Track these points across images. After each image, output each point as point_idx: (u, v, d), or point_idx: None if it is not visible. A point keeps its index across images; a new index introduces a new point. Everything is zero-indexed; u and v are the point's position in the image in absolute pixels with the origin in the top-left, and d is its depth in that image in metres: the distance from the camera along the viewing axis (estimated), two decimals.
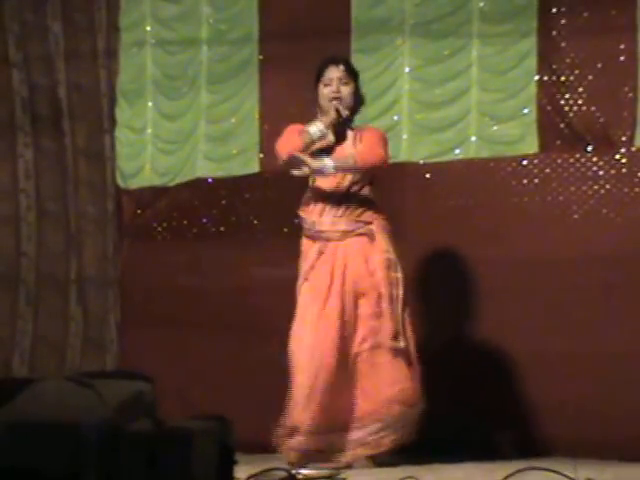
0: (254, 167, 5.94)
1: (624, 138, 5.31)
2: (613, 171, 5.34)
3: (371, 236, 4.76)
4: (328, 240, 4.78)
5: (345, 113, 4.79)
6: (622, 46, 5.35)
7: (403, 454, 4.72)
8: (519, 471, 3.97)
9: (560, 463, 4.38)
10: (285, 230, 5.75)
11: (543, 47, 5.45)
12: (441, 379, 5.37)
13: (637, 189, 5.30)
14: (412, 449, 4.75)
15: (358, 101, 4.88)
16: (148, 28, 6.18)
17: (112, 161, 6.24)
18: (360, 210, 4.79)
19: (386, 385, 4.67)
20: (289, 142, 4.74)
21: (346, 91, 4.81)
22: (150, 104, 6.19)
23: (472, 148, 5.55)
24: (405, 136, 5.64)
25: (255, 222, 5.94)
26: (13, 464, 2.85)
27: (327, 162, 4.69)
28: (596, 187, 5.36)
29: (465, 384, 5.35)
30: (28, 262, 6.15)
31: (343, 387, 4.67)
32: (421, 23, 5.65)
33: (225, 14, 6.04)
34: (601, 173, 5.35)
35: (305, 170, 4.67)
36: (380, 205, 4.84)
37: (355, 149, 4.79)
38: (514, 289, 5.38)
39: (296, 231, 5.74)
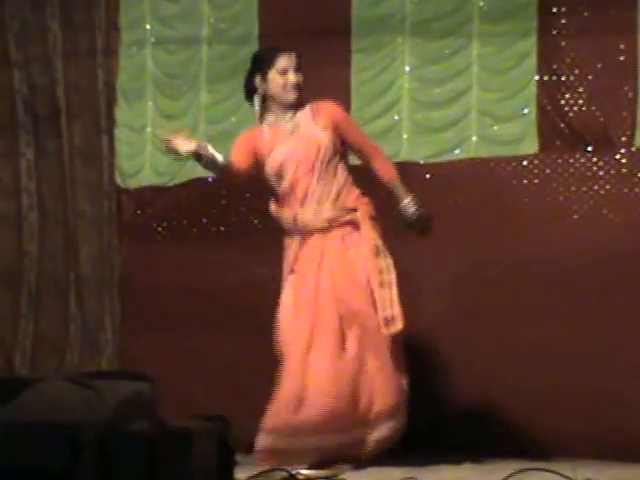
0: None
1: (624, 138, 5.31)
2: (613, 171, 5.34)
3: (356, 224, 4.71)
4: (312, 233, 4.72)
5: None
6: (622, 46, 5.34)
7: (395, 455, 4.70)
8: (519, 471, 3.97)
9: (560, 463, 4.38)
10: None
11: (543, 47, 5.44)
12: (441, 379, 5.39)
13: (637, 189, 5.30)
14: (412, 449, 4.76)
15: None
16: (148, 27, 6.17)
17: (110, 161, 6.23)
18: (342, 195, 4.74)
19: (378, 396, 4.59)
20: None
21: (300, 79, 4.79)
22: (150, 103, 6.18)
23: (472, 148, 5.54)
24: (405, 136, 5.64)
25: (255, 222, 5.94)
26: (13, 464, 2.85)
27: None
28: (596, 187, 5.36)
29: (465, 384, 5.35)
30: (30, 262, 6.16)
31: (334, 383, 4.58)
32: (421, 22, 5.64)
33: (225, 13, 6.04)
34: (601, 173, 5.35)
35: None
36: (362, 188, 4.78)
37: (317, 125, 4.73)
38: (514, 289, 5.38)
39: None
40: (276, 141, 4.77)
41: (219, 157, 4.58)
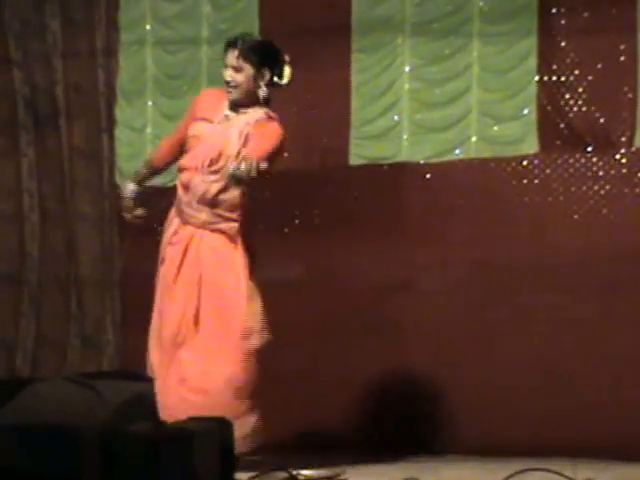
0: None
1: (624, 138, 5.32)
2: (613, 171, 5.34)
3: (233, 236, 4.58)
4: (187, 222, 4.63)
5: (234, 98, 4.60)
6: (622, 46, 5.35)
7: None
8: (519, 472, 3.97)
9: (560, 463, 4.39)
10: (286, 230, 5.75)
11: (543, 47, 5.44)
12: (441, 379, 5.39)
13: (637, 189, 5.31)
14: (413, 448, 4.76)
15: (266, 81, 4.62)
16: (148, 27, 6.17)
17: (110, 161, 6.23)
18: (224, 203, 4.57)
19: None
20: None
21: (238, 78, 4.59)
22: (150, 103, 6.18)
23: (472, 148, 5.54)
24: (405, 136, 5.64)
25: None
26: (14, 464, 2.85)
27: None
28: (596, 187, 5.36)
29: (466, 384, 5.35)
30: (31, 262, 6.16)
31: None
32: (421, 23, 5.64)
33: (225, 13, 6.03)
34: (601, 173, 5.36)
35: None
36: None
37: (241, 132, 4.55)
38: (514, 289, 5.38)
39: (297, 232, 5.75)
40: (213, 117, 4.64)
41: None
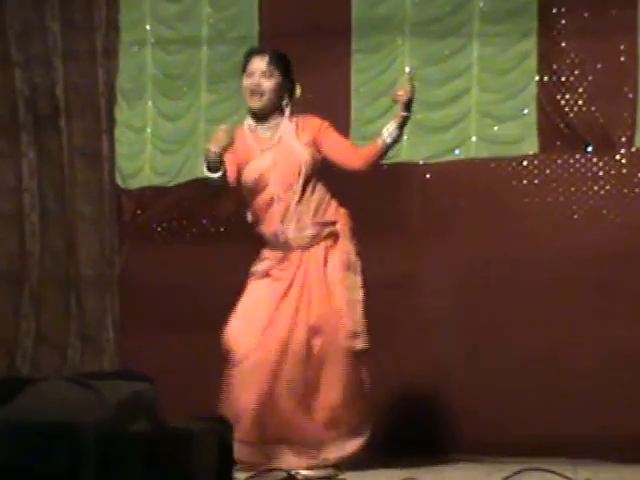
0: None
1: (624, 138, 5.32)
2: (613, 171, 5.35)
3: (335, 237, 4.53)
4: (293, 249, 4.53)
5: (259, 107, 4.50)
6: (622, 46, 5.35)
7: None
8: (519, 472, 3.97)
9: (560, 463, 4.39)
10: None
11: (543, 47, 5.45)
12: (442, 379, 5.39)
13: (637, 189, 5.31)
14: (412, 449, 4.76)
15: (288, 93, 4.57)
16: (148, 27, 6.17)
17: (110, 161, 6.23)
18: (322, 210, 4.54)
19: (324, 406, 4.42)
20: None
21: (268, 84, 4.50)
22: (150, 104, 6.18)
23: (472, 148, 5.55)
24: (405, 136, 5.63)
25: None
26: (13, 464, 2.85)
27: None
28: (596, 187, 5.37)
29: (466, 384, 5.35)
30: (32, 261, 6.16)
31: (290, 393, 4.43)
32: (421, 23, 5.64)
33: (225, 14, 6.04)
34: (601, 174, 5.36)
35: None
36: (339, 199, 4.59)
37: (299, 140, 4.50)
38: (514, 289, 5.38)
39: None
40: (256, 149, 4.54)
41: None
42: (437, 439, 5.24)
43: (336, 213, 4.59)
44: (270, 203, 4.54)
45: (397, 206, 5.60)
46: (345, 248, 4.54)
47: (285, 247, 4.54)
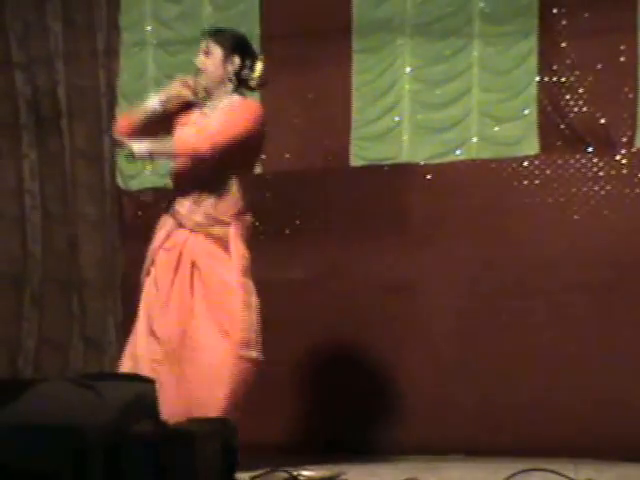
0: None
1: (624, 139, 5.33)
2: (614, 172, 5.36)
3: (224, 242, 4.38)
4: (181, 225, 4.47)
5: (200, 86, 4.46)
6: (622, 47, 5.36)
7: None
8: (519, 472, 3.97)
9: (560, 463, 4.39)
10: (286, 231, 5.76)
11: (544, 48, 5.46)
12: (442, 379, 5.40)
13: (637, 190, 5.32)
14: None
15: (236, 71, 4.47)
16: (149, 28, 6.17)
17: (112, 162, 6.24)
18: (217, 204, 4.41)
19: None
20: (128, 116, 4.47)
21: (207, 62, 4.46)
22: None
23: (473, 149, 5.55)
24: (406, 137, 5.64)
25: (256, 223, 5.93)
26: (16, 465, 2.86)
27: (147, 145, 4.36)
28: (597, 188, 5.37)
29: (466, 385, 5.36)
30: (33, 263, 6.17)
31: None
32: (422, 23, 5.65)
33: (226, 14, 6.04)
34: (602, 174, 5.37)
35: (126, 152, 4.40)
36: (243, 202, 4.43)
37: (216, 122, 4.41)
38: (515, 289, 5.39)
39: (297, 232, 5.75)
40: (188, 121, 4.49)
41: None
42: (437, 439, 5.24)
43: (232, 214, 4.43)
44: (178, 174, 4.53)
45: (398, 207, 5.60)
46: (240, 252, 4.40)
47: (174, 217, 4.49)
